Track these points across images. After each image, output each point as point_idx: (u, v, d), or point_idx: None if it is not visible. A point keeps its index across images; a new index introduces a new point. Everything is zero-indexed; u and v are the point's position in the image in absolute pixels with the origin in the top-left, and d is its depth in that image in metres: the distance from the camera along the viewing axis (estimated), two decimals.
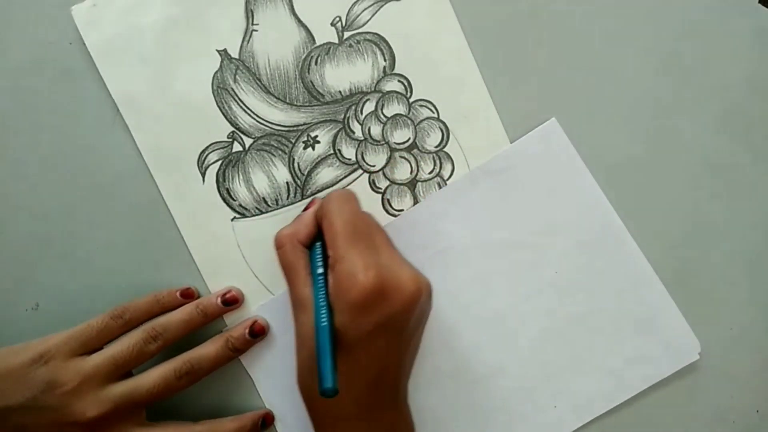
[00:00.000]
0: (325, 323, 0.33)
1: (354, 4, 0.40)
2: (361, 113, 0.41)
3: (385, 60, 0.41)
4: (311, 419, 0.36)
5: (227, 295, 0.40)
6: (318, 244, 0.36)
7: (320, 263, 0.35)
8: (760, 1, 0.39)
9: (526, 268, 0.41)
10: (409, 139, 0.41)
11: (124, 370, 0.37)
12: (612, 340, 0.41)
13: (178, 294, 0.40)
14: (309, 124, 0.41)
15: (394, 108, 0.41)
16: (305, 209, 0.39)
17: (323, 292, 0.34)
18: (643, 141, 0.41)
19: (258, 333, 0.40)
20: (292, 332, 0.40)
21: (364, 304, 0.32)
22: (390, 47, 0.40)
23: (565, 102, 0.41)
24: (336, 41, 0.40)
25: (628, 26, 0.41)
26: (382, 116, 0.41)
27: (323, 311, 0.33)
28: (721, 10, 0.41)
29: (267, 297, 0.41)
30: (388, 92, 0.41)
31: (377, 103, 0.41)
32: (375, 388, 0.35)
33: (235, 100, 0.40)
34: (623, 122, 0.41)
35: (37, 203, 0.41)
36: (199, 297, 0.40)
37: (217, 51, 0.40)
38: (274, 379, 0.41)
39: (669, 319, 0.41)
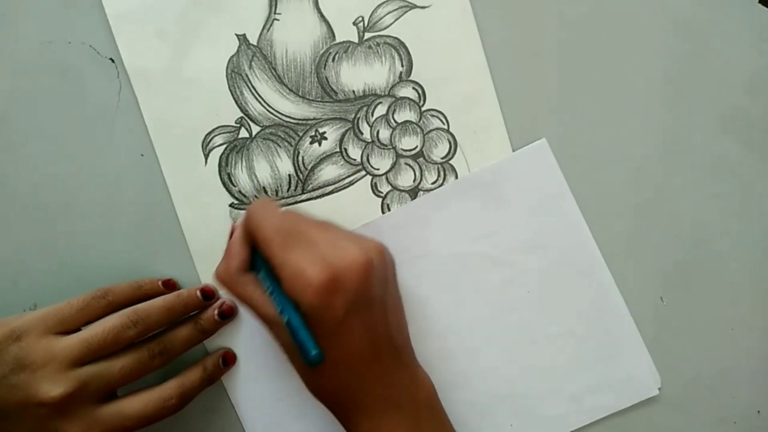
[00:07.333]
0: (289, 310, 0.33)
1: (379, 6, 0.40)
2: (372, 115, 0.41)
3: (402, 65, 0.40)
4: (338, 416, 0.36)
5: (207, 288, 0.40)
6: (260, 262, 0.36)
7: (268, 278, 0.35)
8: (760, 1, 0.39)
9: (499, 284, 0.41)
10: (417, 147, 0.41)
11: (97, 354, 0.35)
12: (575, 365, 0.41)
13: (160, 284, 0.40)
14: (318, 119, 0.40)
15: (405, 114, 0.41)
16: (230, 237, 0.39)
17: (281, 296, 0.34)
18: (646, 142, 0.41)
19: (227, 314, 0.40)
20: (270, 354, 0.40)
21: (322, 298, 0.32)
22: (409, 53, 0.40)
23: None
24: (356, 41, 0.40)
25: (630, 30, 0.41)
26: (392, 121, 0.41)
27: (284, 307, 0.33)
28: (721, 10, 0.41)
29: None
30: (401, 98, 0.41)
31: (389, 107, 0.41)
32: (376, 361, 0.35)
33: (248, 86, 0.40)
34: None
35: (35, 203, 0.40)
36: (179, 289, 0.40)
37: (236, 35, 0.40)
38: (253, 402, 0.41)
39: (633, 351, 0.41)
